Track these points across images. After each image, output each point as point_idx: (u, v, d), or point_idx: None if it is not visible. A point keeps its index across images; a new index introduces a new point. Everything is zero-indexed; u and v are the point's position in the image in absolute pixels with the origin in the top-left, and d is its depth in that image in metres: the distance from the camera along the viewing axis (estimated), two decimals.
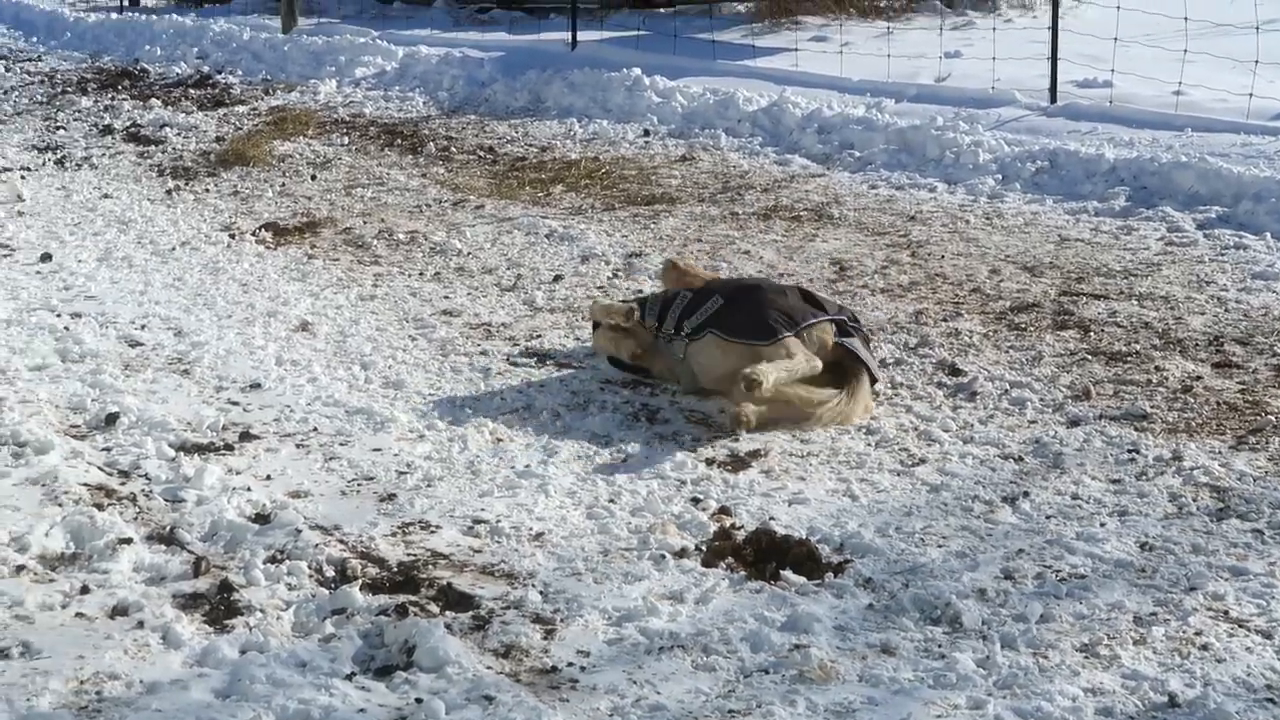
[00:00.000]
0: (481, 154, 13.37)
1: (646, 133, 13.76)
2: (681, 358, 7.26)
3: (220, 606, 5.23)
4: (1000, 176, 11.26)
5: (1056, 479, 6.19)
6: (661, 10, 21.19)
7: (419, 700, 4.60)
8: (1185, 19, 12.95)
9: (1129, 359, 7.48)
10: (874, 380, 7.06)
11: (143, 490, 6.24)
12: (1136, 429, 6.65)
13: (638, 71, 15.14)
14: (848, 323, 7.20)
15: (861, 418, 6.87)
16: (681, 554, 5.61)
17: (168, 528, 5.83)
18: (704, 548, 5.67)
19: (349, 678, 4.75)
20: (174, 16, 22.43)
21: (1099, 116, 12.43)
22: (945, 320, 8.16)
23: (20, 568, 5.49)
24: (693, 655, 4.88)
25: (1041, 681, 4.66)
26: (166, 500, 6.13)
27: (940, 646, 4.90)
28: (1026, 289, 8.66)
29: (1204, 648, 4.85)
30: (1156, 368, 7.35)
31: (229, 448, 6.72)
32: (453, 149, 13.57)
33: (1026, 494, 6.05)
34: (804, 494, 6.13)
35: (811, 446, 6.63)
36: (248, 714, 4.50)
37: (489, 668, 4.80)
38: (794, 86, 14.54)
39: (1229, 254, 9.23)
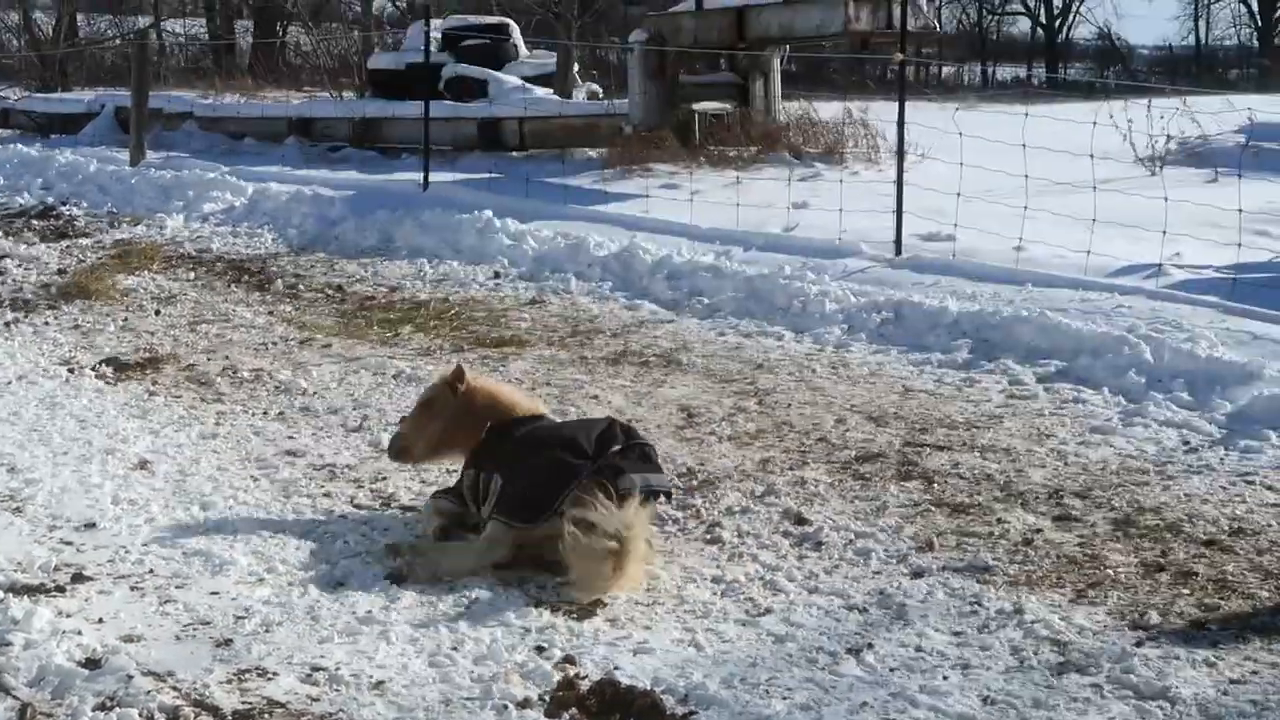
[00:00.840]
0: (330, 292, 13.30)
1: (497, 275, 13.78)
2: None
3: None
4: (846, 326, 11.40)
5: (900, 630, 6.21)
6: (513, 154, 21.34)
7: None
8: (1025, 176, 13.31)
9: (971, 510, 7.56)
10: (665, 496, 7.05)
11: None
12: (979, 581, 6.70)
13: (489, 213, 15.20)
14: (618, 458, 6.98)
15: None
16: (524, 704, 5.52)
17: None
18: (548, 698, 5.59)
19: None
20: (19, 146, 22.19)
21: (943, 269, 12.67)
22: (792, 469, 8.20)
23: None
24: None
25: None
26: None
27: None
28: (871, 439, 8.75)
29: None
30: (998, 520, 7.43)
31: (60, 589, 6.53)
32: (301, 286, 13.48)
33: (870, 645, 6.05)
34: (649, 643, 6.08)
35: (657, 595, 6.59)
36: None
37: None
38: (644, 232, 14.67)
39: (1068, 407, 9.40)
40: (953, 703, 5.53)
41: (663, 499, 7.12)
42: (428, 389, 7.78)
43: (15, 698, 5.46)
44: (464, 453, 7.45)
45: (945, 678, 5.77)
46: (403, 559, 6.81)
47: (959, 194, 13.52)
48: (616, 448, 6.99)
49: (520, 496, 6.85)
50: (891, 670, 5.84)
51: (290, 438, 8.89)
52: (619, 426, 7.18)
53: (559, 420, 7.76)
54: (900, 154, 14.02)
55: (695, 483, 7.98)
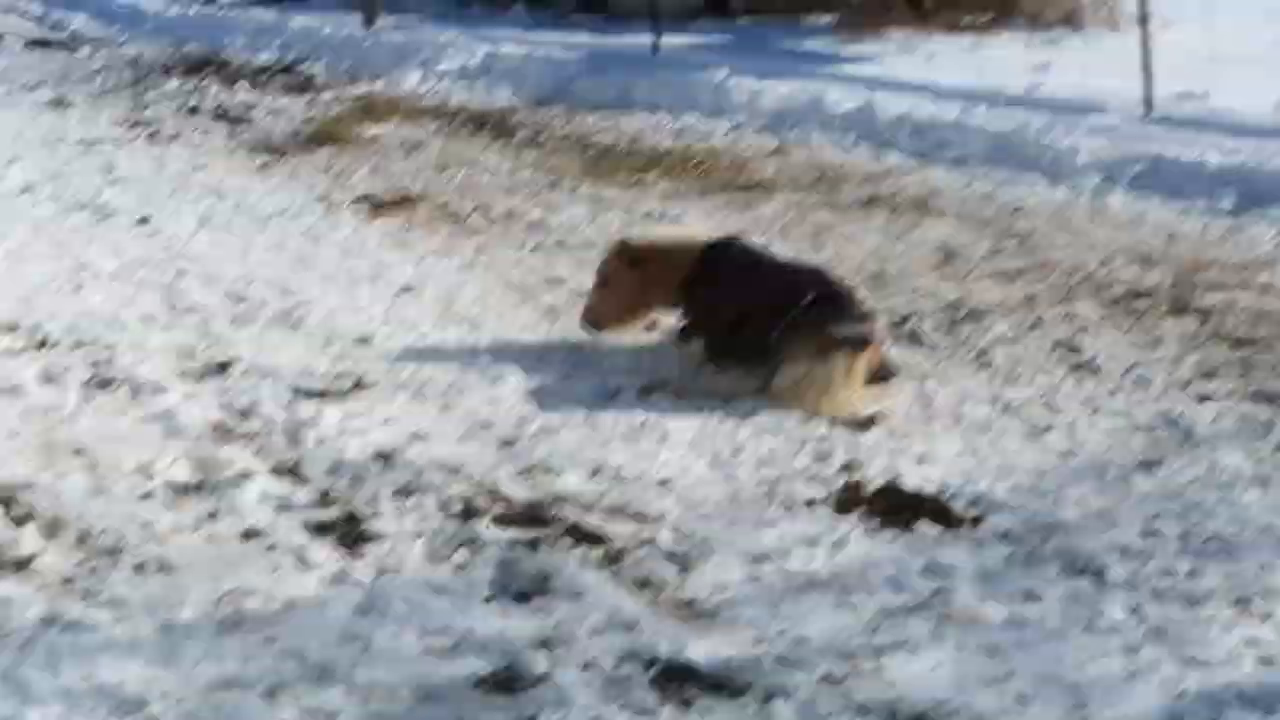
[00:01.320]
0: (572, 141, 13.30)
1: (736, 127, 13.65)
2: None
3: (350, 535, 5.18)
4: (1102, 176, 11.09)
5: (1191, 449, 6.07)
6: (740, 20, 21.10)
7: (559, 624, 4.53)
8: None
9: (1254, 343, 7.34)
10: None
11: (262, 429, 6.20)
12: (1271, 407, 6.51)
13: (724, 71, 15.04)
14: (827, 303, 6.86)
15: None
16: (811, 503, 5.53)
17: (291, 462, 5.79)
18: (833, 499, 5.58)
19: (487, 601, 4.70)
20: (255, 11, 22.50)
21: (1198, 126, 12.24)
22: (1060, 303, 8.03)
23: (148, 494, 5.46)
24: (833, 595, 4.80)
25: (1196, 631, 4.56)
26: (287, 439, 6.08)
27: (1088, 595, 4.80)
28: (1140, 278, 8.53)
29: None
30: None
31: (344, 394, 6.67)
32: (542, 136, 13.50)
33: (1161, 461, 5.93)
34: (931, 454, 6.03)
35: (934, 412, 6.52)
36: (389, 630, 4.45)
37: (627, 597, 4.72)
38: (883, 90, 14.37)
39: None
40: (1254, 514, 5.40)
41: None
42: (601, 265, 7.66)
43: (315, 485, 5.59)
44: (664, 305, 7.45)
45: (1243, 492, 5.63)
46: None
47: (1209, 57, 13.05)
48: (821, 293, 6.87)
49: (744, 343, 6.82)
50: (1186, 484, 5.71)
51: (549, 267, 8.94)
52: (824, 273, 7.17)
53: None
54: (1144, 16, 13.55)
55: (960, 315, 7.86)
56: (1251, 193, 10.33)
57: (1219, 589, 4.83)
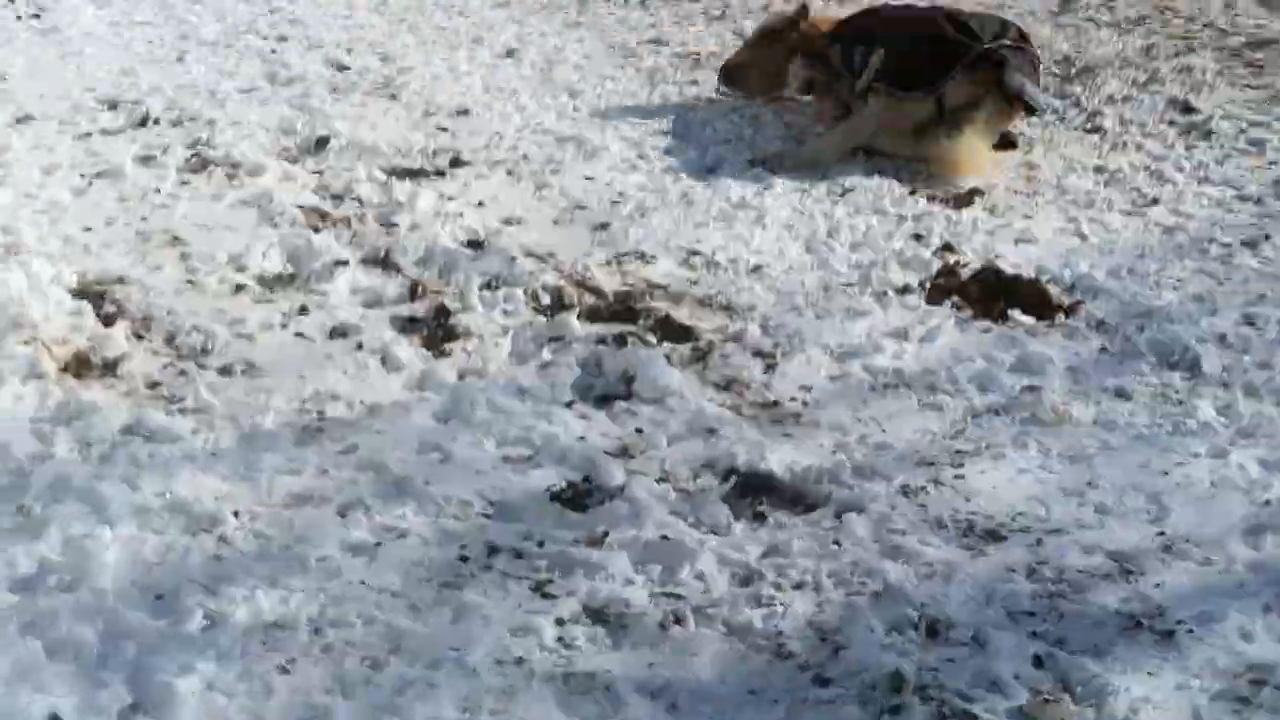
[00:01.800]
0: None
1: None
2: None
3: (438, 331, 5.20)
4: None
5: None
6: None
7: (640, 430, 4.54)
8: None
9: None
10: (1032, 110, 6.67)
11: (356, 214, 6.19)
12: None
13: None
14: (1003, 50, 6.64)
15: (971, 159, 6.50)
16: (904, 290, 5.45)
17: (383, 251, 5.79)
18: (928, 285, 5.50)
19: (568, 405, 4.70)
20: None
21: None
22: (1177, 55, 7.75)
23: (239, 286, 5.50)
24: (918, 394, 4.75)
25: None
26: (380, 224, 6.08)
27: (1178, 393, 4.71)
28: (1264, 25, 8.19)
29: None
30: None
31: (440, 173, 6.64)
32: None
33: (1268, 237, 5.77)
34: (1031, 232, 5.90)
35: (1037, 185, 6.38)
36: (468, 439, 4.47)
37: (710, 399, 4.71)
38: None
39: None
40: None
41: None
42: (767, 20, 7.54)
43: (406, 276, 5.60)
44: (804, 80, 7.24)
45: None
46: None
47: None
48: (1005, 42, 6.65)
49: (903, 68, 6.62)
50: None
51: (652, 25, 8.78)
52: (1011, 25, 6.84)
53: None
54: None
55: (1073, 70, 7.63)
56: None
57: None
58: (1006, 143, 6.66)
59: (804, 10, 7.33)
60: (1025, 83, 6.53)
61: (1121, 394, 4.71)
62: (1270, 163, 6.46)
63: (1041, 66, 6.81)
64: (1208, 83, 7.36)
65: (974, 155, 6.44)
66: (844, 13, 7.48)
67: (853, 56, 6.83)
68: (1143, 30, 8.20)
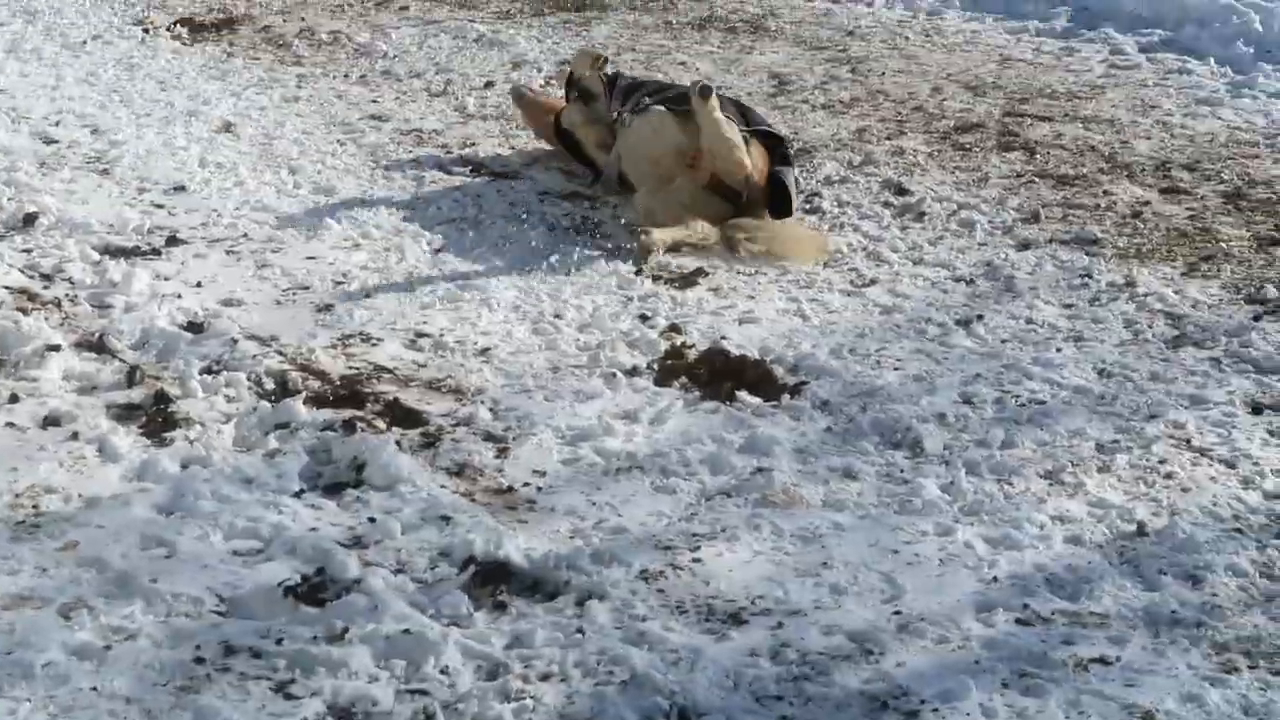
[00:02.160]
0: None
1: None
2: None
3: (158, 418, 5.02)
4: None
5: (1010, 302, 6.09)
6: None
7: (372, 519, 4.44)
8: None
9: (1077, 182, 7.36)
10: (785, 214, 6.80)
11: (67, 295, 5.98)
12: (1088, 254, 6.55)
13: None
14: (782, 146, 6.97)
15: (803, 255, 6.57)
16: (633, 372, 5.46)
17: (97, 334, 5.59)
18: (656, 366, 5.52)
19: (297, 495, 4.57)
20: None
21: None
22: (889, 138, 7.99)
23: None
24: (652, 477, 4.75)
25: (1008, 508, 4.58)
26: (93, 306, 5.87)
27: (903, 471, 4.80)
28: (970, 108, 8.50)
29: (1168, 476, 4.79)
30: (1105, 192, 7.24)
31: (156, 252, 6.45)
32: None
33: (980, 317, 5.94)
34: (754, 313, 5.98)
35: (759, 265, 6.47)
36: (194, 531, 4.32)
37: (443, 487, 4.64)
38: None
39: (1173, 78, 9.09)
40: (1068, 375, 5.44)
41: None
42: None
43: (122, 360, 5.41)
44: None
45: (1058, 350, 5.66)
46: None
47: None
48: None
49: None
50: (1003, 342, 5.73)
51: (374, 101, 8.71)
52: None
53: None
54: None
55: (791, 152, 7.75)
56: (1084, 10, 10.35)
57: (1031, 460, 4.86)
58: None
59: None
60: (792, 178, 6.71)
61: (849, 473, 4.78)
62: (980, 244, 6.67)
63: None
64: (919, 165, 7.59)
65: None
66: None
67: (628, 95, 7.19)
68: (856, 113, 8.42)
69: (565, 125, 7.47)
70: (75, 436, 4.85)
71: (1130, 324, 5.89)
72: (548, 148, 7.71)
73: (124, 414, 5.04)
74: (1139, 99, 8.68)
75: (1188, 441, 4.99)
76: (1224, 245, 6.62)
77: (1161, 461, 4.86)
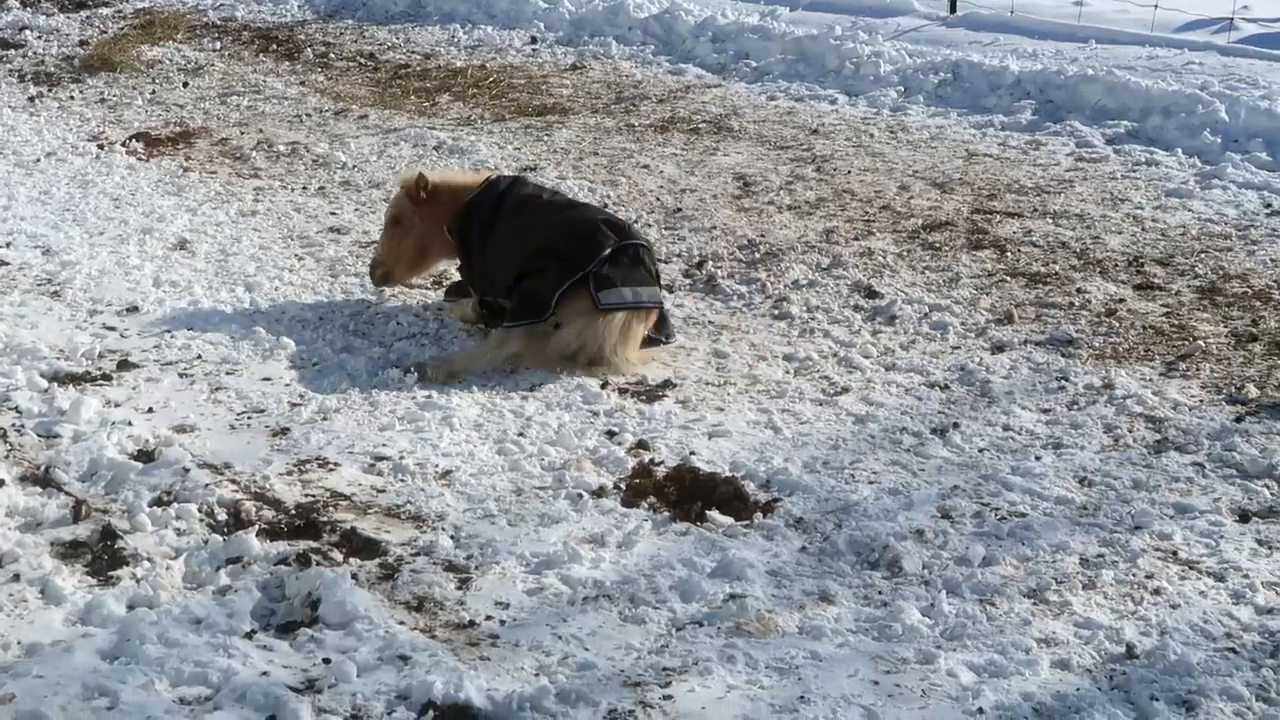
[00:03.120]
0: (362, 61, 12.82)
1: (534, 40, 13.27)
2: None
3: (104, 556, 4.82)
4: (903, 88, 10.94)
5: (986, 409, 5.93)
6: None
7: (327, 661, 4.24)
8: None
9: (1049, 280, 7.22)
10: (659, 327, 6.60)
11: (14, 425, 5.79)
12: (1064, 355, 6.40)
13: None
14: (619, 256, 6.47)
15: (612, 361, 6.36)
16: (600, 493, 5.27)
17: (42, 467, 5.40)
18: (623, 486, 5.34)
19: (249, 636, 4.37)
20: None
21: (1000, 27, 12.15)
22: (857, 239, 7.84)
23: None
24: (620, 606, 4.55)
25: (992, 632, 4.40)
26: (40, 436, 5.69)
27: (881, 594, 4.62)
28: (938, 206, 8.37)
29: (1156, 592, 4.61)
30: (1078, 289, 7.10)
31: (106, 377, 6.27)
32: (331, 55, 12.99)
33: (956, 425, 5.78)
34: (724, 426, 5.80)
35: (728, 375, 6.31)
36: (139, 680, 4.12)
37: (401, 623, 4.44)
38: None
39: (1141, 170, 8.99)
40: (1048, 485, 5.26)
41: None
42: (391, 204, 7.22)
43: (69, 494, 5.21)
44: (449, 257, 7.11)
45: (1038, 458, 5.49)
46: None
47: None
48: (608, 251, 6.43)
49: (525, 296, 6.42)
50: (980, 451, 5.56)
51: (333, 214, 8.55)
52: (615, 225, 6.65)
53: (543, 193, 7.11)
54: None
55: (758, 255, 7.64)
56: (1049, 104, 10.28)
57: (1014, 578, 4.68)
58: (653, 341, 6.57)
59: (423, 182, 7.02)
60: (635, 291, 6.44)
61: (825, 597, 4.60)
62: (953, 347, 6.52)
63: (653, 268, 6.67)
64: (889, 266, 7.45)
65: (618, 357, 6.36)
66: (470, 178, 7.23)
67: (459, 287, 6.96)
68: (823, 213, 8.29)
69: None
70: (17, 578, 4.65)
71: (1110, 429, 5.73)
72: None
73: (69, 552, 4.85)
74: (1108, 192, 8.57)
75: (1174, 554, 4.82)
76: (1201, 343, 6.48)
77: (1149, 576, 4.68)
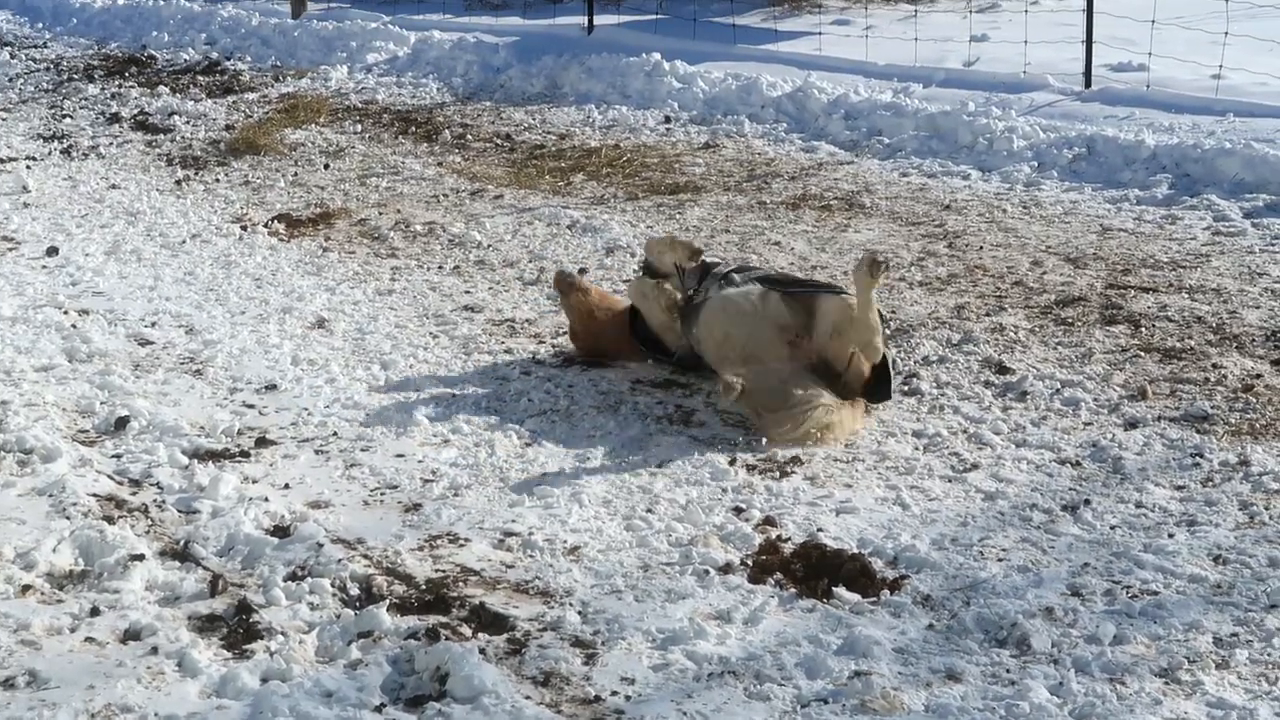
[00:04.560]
0: (499, 141, 13.02)
1: (668, 119, 13.40)
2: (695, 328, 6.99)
3: (239, 629, 4.92)
4: (1036, 164, 10.89)
5: (1118, 486, 5.86)
6: None
7: None
8: (1225, 0, 12.54)
9: (1184, 356, 7.14)
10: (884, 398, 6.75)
11: (155, 501, 5.94)
12: (1198, 431, 6.32)
13: (657, 56, 14.76)
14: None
15: (844, 435, 6.44)
16: (726, 569, 5.28)
17: (182, 542, 5.53)
18: (750, 562, 5.35)
19: (378, 709, 4.44)
20: (181, 2, 22.06)
21: (1136, 101, 12.02)
22: (988, 315, 7.81)
23: (27, 587, 5.19)
24: (745, 682, 4.56)
25: (1121, 711, 4.34)
26: (180, 511, 5.83)
27: (1009, 672, 4.58)
28: (1071, 281, 8.31)
29: None
30: (1214, 365, 7.01)
31: (245, 454, 6.41)
32: (469, 136, 13.21)
33: (1088, 502, 5.72)
34: (852, 502, 5.80)
35: (857, 451, 6.30)
36: None
37: (528, 698, 4.48)
38: (818, 71, 14.13)
39: (1279, 244, 8.86)
40: (1181, 563, 5.19)
41: None
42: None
43: (206, 568, 5.33)
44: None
45: (1171, 535, 5.42)
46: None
47: (1151, 21, 12.80)
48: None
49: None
50: (1112, 528, 5.50)
51: (467, 292, 8.68)
52: None
53: None
54: None
55: (888, 332, 7.59)
56: (1185, 178, 10.18)
57: (1145, 657, 4.62)
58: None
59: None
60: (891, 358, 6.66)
61: (952, 675, 4.57)
62: (1085, 423, 6.47)
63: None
64: (1020, 341, 7.42)
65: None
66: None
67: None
68: (954, 290, 8.27)
69: (633, 297, 7.42)
70: (154, 651, 4.76)
71: (1245, 505, 5.64)
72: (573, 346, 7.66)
73: (205, 625, 4.96)
74: (1246, 266, 8.46)
75: None
76: None
77: None
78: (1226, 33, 12.28)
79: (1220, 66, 12.26)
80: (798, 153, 11.99)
